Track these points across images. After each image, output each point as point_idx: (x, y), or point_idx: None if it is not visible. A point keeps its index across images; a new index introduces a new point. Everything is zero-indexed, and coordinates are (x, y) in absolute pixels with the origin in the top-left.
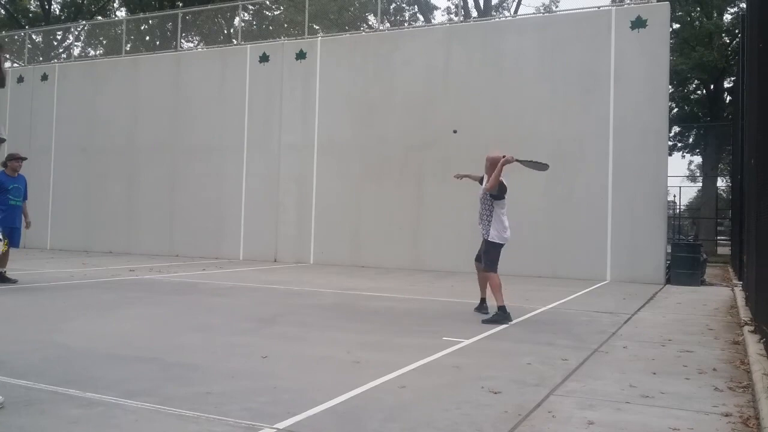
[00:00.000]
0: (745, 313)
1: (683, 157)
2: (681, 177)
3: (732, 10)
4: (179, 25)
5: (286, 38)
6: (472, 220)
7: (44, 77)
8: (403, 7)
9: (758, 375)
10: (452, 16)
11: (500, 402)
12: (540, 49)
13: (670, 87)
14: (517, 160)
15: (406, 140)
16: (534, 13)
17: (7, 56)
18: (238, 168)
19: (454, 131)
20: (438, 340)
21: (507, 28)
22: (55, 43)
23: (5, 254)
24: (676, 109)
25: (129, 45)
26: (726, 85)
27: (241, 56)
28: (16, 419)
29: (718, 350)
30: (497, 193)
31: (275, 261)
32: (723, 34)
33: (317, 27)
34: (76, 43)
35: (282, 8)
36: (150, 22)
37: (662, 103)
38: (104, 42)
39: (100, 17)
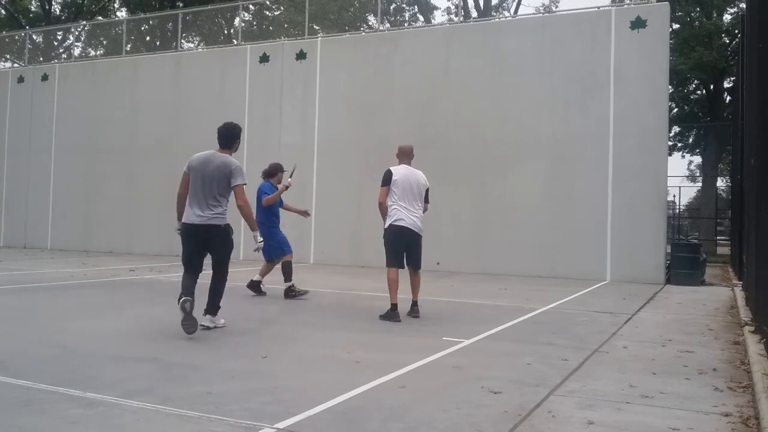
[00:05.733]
0: (745, 313)
1: (683, 157)
2: (681, 177)
3: (732, 10)
4: (179, 25)
5: (286, 38)
6: (472, 220)
7: (44, 77)
8: (403, 7)
9: (758, 375)
10: (452, 16)
11: (500, 402)
12: (540, 49)
13: (670, 87)
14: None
15: (406, 140)
16: (534, 13)
17: None
18: None
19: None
20: (438, 340)
21: (507, 28)
22: (55, 43)
23: (268, 267)
24: (676, 109)
25: (129, 45)
26: (726, 85)
27: (241, 56)
28: (16, 419)
29: (718, 350)
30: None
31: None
32: (723, 34)
33: (317, 27)
34: (76, 43)
35: (282, 8)
36: (150, 22)
37: (662, 103)
38: (104, 42)
39: (100, 17)
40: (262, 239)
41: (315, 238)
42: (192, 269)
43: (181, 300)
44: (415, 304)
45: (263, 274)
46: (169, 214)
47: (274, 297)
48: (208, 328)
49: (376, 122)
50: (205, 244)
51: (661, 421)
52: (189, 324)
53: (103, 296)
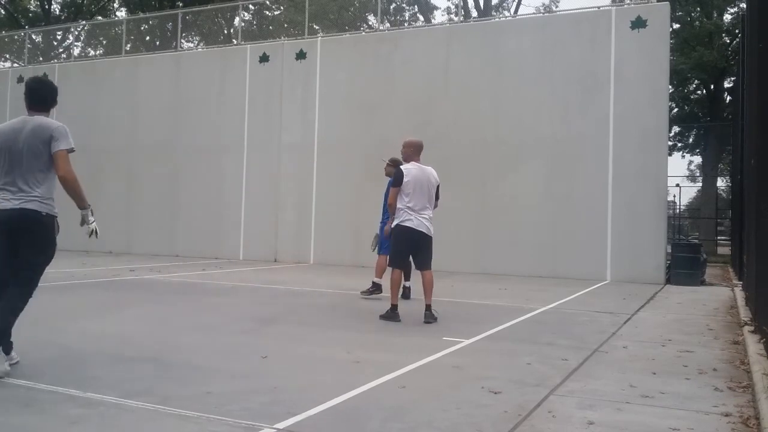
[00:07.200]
0: (745, 313)
1: (683, 157)
2: (681, 177)
3: (732, 10)
4: (179, 25)
5: (286, 38)
6: (472, 220)
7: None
8: (403, 7)
9: (758, 375)
10: (452, 16)
11: (500, 402)
12: (540, 49)
13: (670, 87)
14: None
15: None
16: (534, 13)
17: None
18: (238, 168)
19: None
20: (438, 340)
21: (507, 28)
22: (55, 43)
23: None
24: (676, 109)
25: (129, 45)
26: (726, 85)
27: (241, 56)
28: (16, 419)
29: (718, 350)
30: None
31: (275, 261)
32: (723, 34)
33: (317, 27)
34: (76, 43)
35: (282, 8)
36: (150, 22)
37: (662, 103)
38: (104, 42)
39: (100, 17)
40: (93, 220)
41: (315, 238)
42: None
43: None
44: (428, 308)
45: (382, 272)
46: (169, 213)
47: (273, 297)
48: None
49: (376, 122)
50: (17, 241)
51: (661, 421)
52: None
53: (103, 296)
